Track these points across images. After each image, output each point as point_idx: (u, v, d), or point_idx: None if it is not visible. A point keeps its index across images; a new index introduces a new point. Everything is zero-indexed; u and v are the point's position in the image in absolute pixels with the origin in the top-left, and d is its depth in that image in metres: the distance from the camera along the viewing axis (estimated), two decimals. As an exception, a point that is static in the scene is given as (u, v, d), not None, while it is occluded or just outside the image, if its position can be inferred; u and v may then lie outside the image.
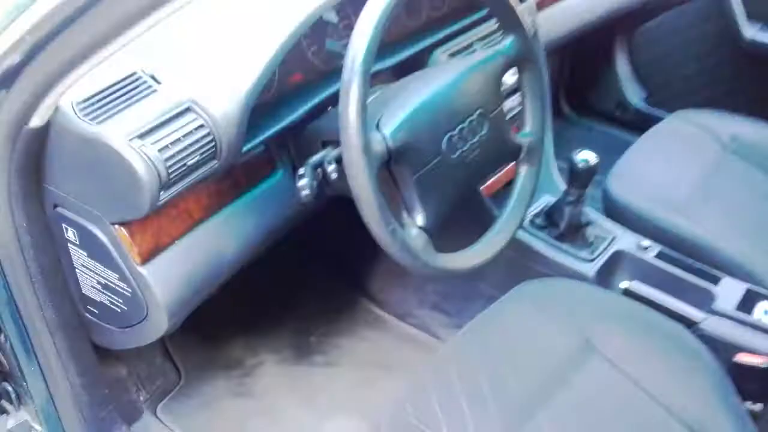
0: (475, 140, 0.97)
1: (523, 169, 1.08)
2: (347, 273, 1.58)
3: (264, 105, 1.00)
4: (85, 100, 0.82)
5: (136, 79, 0.86)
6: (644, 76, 1.99)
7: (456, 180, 0.97)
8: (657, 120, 1.87)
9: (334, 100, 1.07)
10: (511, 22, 1.02)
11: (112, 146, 0.79)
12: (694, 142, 1.49)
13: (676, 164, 1.42)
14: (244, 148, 0.93)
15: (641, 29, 1.92)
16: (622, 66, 1.99)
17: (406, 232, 0.90)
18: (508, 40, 1.03)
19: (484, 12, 1.33)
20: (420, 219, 0.91)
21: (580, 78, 2.07)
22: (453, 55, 1.26)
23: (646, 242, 1.26)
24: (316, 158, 0.95)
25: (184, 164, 0.83)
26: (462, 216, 1.02)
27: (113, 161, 0.79)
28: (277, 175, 1.05)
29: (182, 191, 0.87)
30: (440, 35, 1.25)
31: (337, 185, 0.93)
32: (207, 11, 0.93)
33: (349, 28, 1.12)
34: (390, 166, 0.89)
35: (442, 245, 0.94)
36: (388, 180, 0.91)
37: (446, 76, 0.98)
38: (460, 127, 0.95)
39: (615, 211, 1.36)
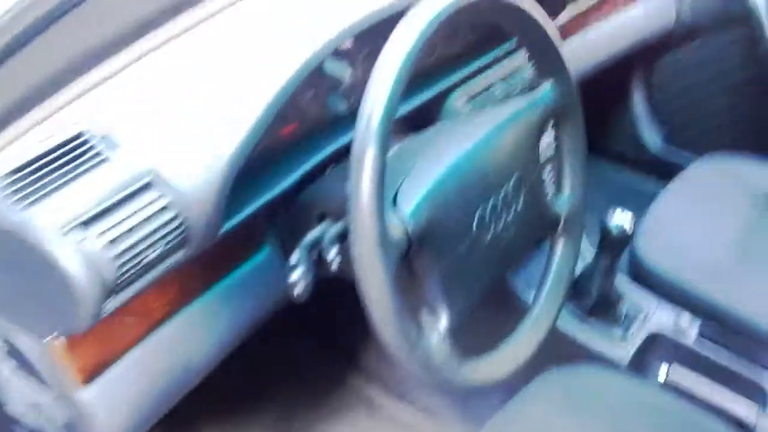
0: (510, 216, 0.78)
1: (561, 244, 0.89)
2: (334, 344, 1.37)
3: (248, 166, 0.80)
4: (11, 174, 0.61)
5: (83, 143, 0.65)
6: (663, 114, 1.81)
7: (488, 267, 0.77)
8: (677, 163, 1.72)
9: (333, 158, 0.88)
10: (552, 64, 0.83)
11: (39, 241, 0.57)
12: (726, 193, 1.33)
13: (711, 221, 1.26)
14: (223, 229, 0.73)
15: (661, 62, 1.75)
16: (639, 103, 1.81)
17: (427, 338, 0.70)
18: (547, 86, 0.84)
19: (504, 47, 1.14)
20: (444, 320, 0.72)
21: (591, 116, 1.88)
22: (472, 98, 1.07)
23: (686, 320, 1.11)
24: (311, 237, 0.76)
25: (140, 261, 0.62)
26: (484, 302, 0.83)
27: (41, 261, 0.58)
28: (262, 254, 0.84)
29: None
30: (456, 76, 1.06)
31: (337, 271, 0.74)
32: (177, 57, 0.73)
33: (358, 78, 0.95)
34: (409, 254, 0.69)
35: (460, 340, 0.75)
36: (404, 270, 0.71)
37: (475, 133, 0.78)
38: (494, 200, 0.76)
39: (646, 278, 1.19)
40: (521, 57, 1.17)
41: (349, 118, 0.95)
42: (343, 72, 0.89)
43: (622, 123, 1.83)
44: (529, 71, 1.16)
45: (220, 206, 0.68)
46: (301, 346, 1.38)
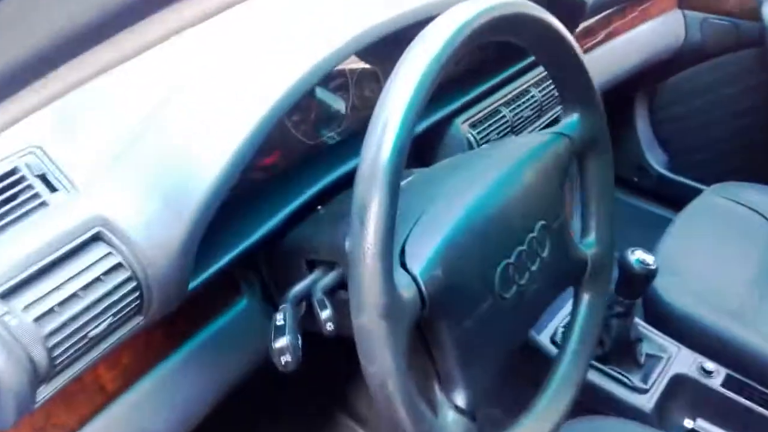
0: (534, 267, 0.66)
1: (588, 294, 0.77)
2: (327, 385, 1.24)
3: (221, 205, 0.67)
4: None
5: (17, 182, 0.52)
6: (667, 137, 1.72)
7: (510, 329, 0.65)
8: (681, 189, 1.64)
9: (324, 194, 0.76)
10: (581, 93, 0.71)
11: (-53, 318, 0.44)
12: (742, 225, 1.27)
13: (729, 256, 1.19)
14: (191, 285, 0.60)
15: (666, 84, 1.66)
16: (643, 126, 1.72)
17: (442, 418, 0.58)
18: (574, 117, 0.73)
19: (511, 70, 1.03)
20: (460, 398, 0.59)
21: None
22: (475, 125, 0.96)
23: (710, 365, 1.02)
24: (299, 289, 0.64)
25: (82, 337, 0.49)
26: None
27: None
28: (238, 306, 0.71)
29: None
30: (461, 100, 0.94)
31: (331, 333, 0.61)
32: (139, 74, 0.60)
33: (353, 103, 0.83)
34: (420, 321, 0.57)
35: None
36: (414, 339, 0.59)
37: (494, 171, 0.67)
38: (518, 249, 0.64)
39: (665, 320, 1.11)
40: (527, 80, 1.07)
41: (342, 147, 0.84)
42: (335, 95, 0.77)
43: (624, 146, 1.73)
44: (536, 95, 1.05)
45: (187, 261, 0.55)
46: (291, 386, 1.24)
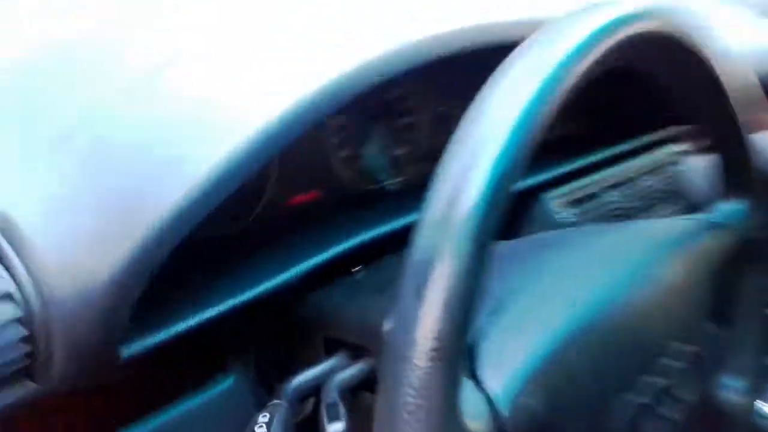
0: (665, 410, 0.44)
1: None
2: None
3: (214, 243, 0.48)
4: None
5: None
6: None
7: None
8: None
9: (366, 255, 0.55)
10: (755, 176, 0.51)
11: None
12: None
13: None
14: (132, 349, 0.39)
15: None
16: None
17: None
18: (739, 205, 0.51)
19: (629, 145, 0.84)
20: None
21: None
22: (569, 205, 0.75)
23: None
24: (308, 377, 0.44)
25: None
26: None
27: None
28: (222, 386, 0.50)
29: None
30: (554, 172, 0.74)
31: None
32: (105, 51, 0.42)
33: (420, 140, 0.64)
34: None
35: None
36: None
37: (620, 259, 0.46)
38: (645, 380, 0.42)
39: None
40: (640, 164, 0.86)
41: (399, 198, 0.64)
42: (398, 134, 0.59)
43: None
44: (650, 183, 0.84)
45: (119, 305, 0.35)
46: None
